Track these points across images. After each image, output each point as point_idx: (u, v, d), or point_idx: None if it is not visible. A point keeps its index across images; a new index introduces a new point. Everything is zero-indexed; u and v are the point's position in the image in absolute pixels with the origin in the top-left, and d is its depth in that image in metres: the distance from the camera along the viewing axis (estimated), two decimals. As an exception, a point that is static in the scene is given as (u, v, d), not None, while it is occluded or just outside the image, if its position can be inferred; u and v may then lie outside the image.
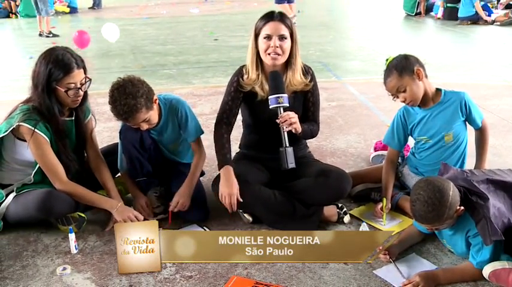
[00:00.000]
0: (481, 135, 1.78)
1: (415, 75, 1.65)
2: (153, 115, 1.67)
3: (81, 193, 1.66)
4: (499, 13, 7.22)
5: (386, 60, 1.72)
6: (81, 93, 1.64)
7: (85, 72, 1.65)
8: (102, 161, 1.80)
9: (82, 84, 1.63)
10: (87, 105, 1.79)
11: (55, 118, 1.62)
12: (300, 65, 1.71)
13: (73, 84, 1.59)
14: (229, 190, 1.61)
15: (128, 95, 1.57)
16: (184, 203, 1.70)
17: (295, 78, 1.69)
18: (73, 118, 1.73)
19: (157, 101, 1.70)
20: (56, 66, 1.56)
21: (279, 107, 1.60)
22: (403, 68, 1.64)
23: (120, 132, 1.77)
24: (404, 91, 1.65)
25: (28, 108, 1.61)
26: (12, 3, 9.71)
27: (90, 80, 1.66)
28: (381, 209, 1.71)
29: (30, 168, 1.67)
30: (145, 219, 1.69)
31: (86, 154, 1.82)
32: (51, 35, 6.83)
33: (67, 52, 1.60)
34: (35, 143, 1.59)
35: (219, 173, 1.79)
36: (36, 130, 1.57)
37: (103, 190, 1.79)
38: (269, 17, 1.65)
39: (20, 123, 1.57)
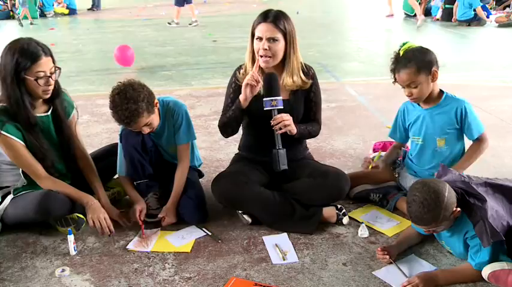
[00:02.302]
0: (475, 146, 1.71)
1: (430, 76, 1.62)
2: (155, 119, 1.67)
3: (59, 188, 1.63)
4: (497, 14, 7.27)
5: (403, 44, 1.64)
6: (52, 82, 1.58)
7: (54, 62, 1.60)
8: (88, 160, 1.78)
9: (52, 73, 1.58)
10: (68, 100, 1.75)
11: (25, 111, 1.55)
12: (298, 66, 1.69)
13: (42, 73, 1.54)
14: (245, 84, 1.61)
15: (129, 100, 1.56)
16: (170, 220, 1.70)
17: (291, 80, 1.68)
18: (49, 113, 1.67)
19: (157, 105, 1.70)
20: (22, 55, 1.51)
21: (273, 109, 1.60)
22: (423, 65, 1.60)
23: (120, 136, 1.77)
24: (416, 87, 1.63)
25: None
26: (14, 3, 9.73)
27: (59, 69, 1.61)
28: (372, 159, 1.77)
29: (18, 168, 1.65)
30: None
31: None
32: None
33: (32, 41, 1.56)
34: (5, 145, 1.56)
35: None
36: (3, 132, 1.54)
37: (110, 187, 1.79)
38: (262, 17, 1.64)
39: None
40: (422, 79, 1.62)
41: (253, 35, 1.66)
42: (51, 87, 1.60)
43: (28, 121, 1.59)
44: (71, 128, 1.75)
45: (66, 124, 1.72)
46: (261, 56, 1.63)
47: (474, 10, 6.86)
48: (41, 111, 1.66)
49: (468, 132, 1.71)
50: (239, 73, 1.75)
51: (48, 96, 1.62)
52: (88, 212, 1.63)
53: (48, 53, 1.57)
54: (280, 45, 1.63)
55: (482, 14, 6.85)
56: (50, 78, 1.58)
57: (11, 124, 1.57)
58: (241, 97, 1.65)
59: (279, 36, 1.62)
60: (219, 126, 1.81)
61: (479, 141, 1.71)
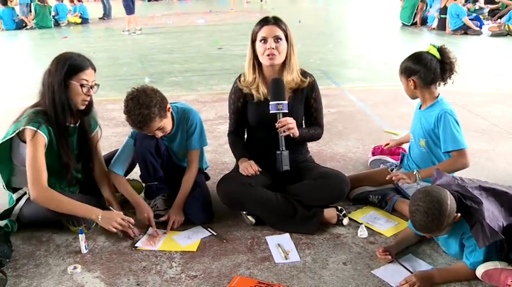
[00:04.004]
0: (450, 160, 1.69)
1: (409, 82, 1.76)
2: (167, 123, 1.73)
3: (60, 200, 1.63)
4: (490, 24, 7.33)
5: (432, 46, 1.74)
6: (92, 93, 1.69)
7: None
8: (106, 176, 1.84)
9: (92, 86, 1.68)
10: (95, 117, 1.83)
11: (64, 115, 1.64)
12: (296, 67, 1.78)
13: (86, 81, 1.65)
14: (246, 164, 1.76)
15: (141, 105, 1.62)
16: (179, 220, 1.75)
17: (291, 77, 1.77)
18: (76, 125, 1.76)
19: (170, 109, 1.76)
20: (72, 64, 1.64)
21: (279, 113, 1.68)
22: (405, 70, 1.76)
23: (135, 139, 1.82)
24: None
25: (34, 112, 1.66)
26: (28, 17, 9.99)
27: (98, 85, 1.72)
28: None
29: None
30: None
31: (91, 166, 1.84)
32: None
33: (81, 55, 1.70)
34: (34, 143, 1.61)
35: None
36: (38, 131, 1.61)
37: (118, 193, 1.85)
38: (264, 21, 1.75)
39: (26, 127, 1.61)
40: (402, 80, 1.80)
41: (253, 41, 1.75)
42: (89, 99, 1.71)
43: (64, 125, 1.68)
44: (92, 143, 1.82)
45: (90, 139, 1.81)
46: (268, 55, 1.70)
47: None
48: (71, 122, 1.75)
49: (441, 142, 1.70)
50: (239, 81, 1.84)
51: (84, 107, 1.71)
52: (104, 223, 1.63)
53: (93, 66, 1.71)
54: (284, 45, 1.72)
55: (470, 23, 6.90)
56: (91, 89, 1.69)
57: (46, 127, 1.65)
58: (240, 169, 1.76)
59: (283, 36, 1.72)
60: (228, 142, 1.93)
61: (454, 156, 1.68)
